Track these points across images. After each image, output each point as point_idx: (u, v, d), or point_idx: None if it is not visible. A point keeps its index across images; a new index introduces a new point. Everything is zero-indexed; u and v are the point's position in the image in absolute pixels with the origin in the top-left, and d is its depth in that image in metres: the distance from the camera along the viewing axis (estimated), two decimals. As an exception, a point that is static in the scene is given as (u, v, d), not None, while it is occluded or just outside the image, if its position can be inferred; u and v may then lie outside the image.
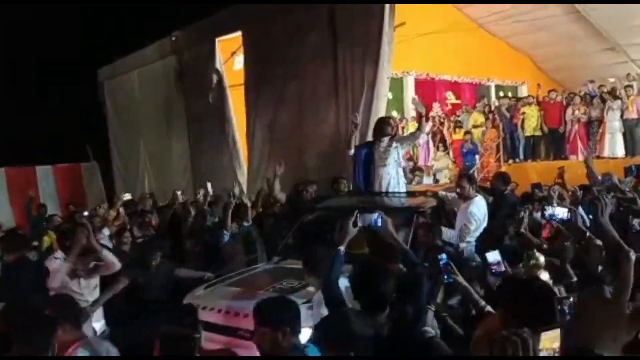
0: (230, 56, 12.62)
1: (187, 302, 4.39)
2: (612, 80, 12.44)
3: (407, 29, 11.24)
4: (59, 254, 5.22)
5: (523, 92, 15.47)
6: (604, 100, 11.44)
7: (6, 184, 13.98)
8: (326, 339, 2.41)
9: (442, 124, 13.78)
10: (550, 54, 14.80)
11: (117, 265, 4.67)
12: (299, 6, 10.15)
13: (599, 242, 4.68)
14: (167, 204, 9.03)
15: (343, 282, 2.99)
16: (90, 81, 16.95)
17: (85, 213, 8.16)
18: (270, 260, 5.43)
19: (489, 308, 3.02)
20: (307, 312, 3.39)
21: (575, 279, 4.31)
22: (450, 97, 15.44)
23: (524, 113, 12.27)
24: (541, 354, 1.68)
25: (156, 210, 8.47)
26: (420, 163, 13.32)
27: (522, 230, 5.15)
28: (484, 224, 5.17)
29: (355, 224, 3.07)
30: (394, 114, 13.94)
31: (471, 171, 10.97)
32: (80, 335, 3.16)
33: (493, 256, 3.62)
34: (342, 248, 3.02)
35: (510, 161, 12.45)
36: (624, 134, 11.14)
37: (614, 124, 11.19)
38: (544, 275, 3.85)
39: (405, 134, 10.76)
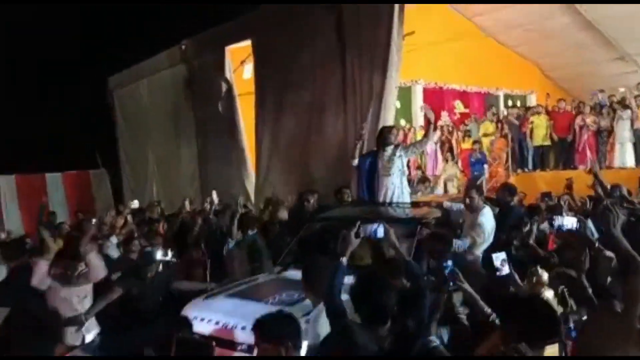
0: (239, 65, 12.69)
1: (184, 315, 4.36)
2: (622, 89, 12.34)
3: (416, 38, 11.24)
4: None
5: (532, 101, 15.39)
6: (614, 110, 11.36)
7: (16, 192, 14.12)
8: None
9: (450, 133, 13.75)
10: (559, 63, 14.73)
11: (102, 271, 4.68)
12: (308, 15, 10.20)
13: (608, 253, 4.64)
14: (175, 212, 9.07)
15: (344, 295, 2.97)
16: (100, 89, 17.10)
17: (94, 220, 8.22)
18: (272, 271, 5.39)
19: (495, 316, 2.99)
20: (305, 326, 3.34)
21: (590, 290, 4.23)
22: (459, 106, 15.40)
23: (532, 122, 12.21)
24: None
25: (164, 218, 8.51)
26: (428, 172, 13.28)
27: (530, 241, 5.10)
28: (492, 236, 5.12)
29: (357, 235, 3.06)
30: (402, 122, 13.94)
31: (479, 181, 10.91)
32: None
33: (499, 258, 3.59)
34: (344, 259, 3.00)
35: (519, 171, 12.37)
36: (635, 144, 11.05)
37: (624, 133, 11.09)
38: (548, 293, 3.78)
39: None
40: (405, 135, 13.17)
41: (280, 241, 5.97)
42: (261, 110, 11.50)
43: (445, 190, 12.20)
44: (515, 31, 13.36)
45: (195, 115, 13.41)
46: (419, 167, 13.53)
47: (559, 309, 3.56)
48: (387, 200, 5.93)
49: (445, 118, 14.41)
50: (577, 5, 12.23)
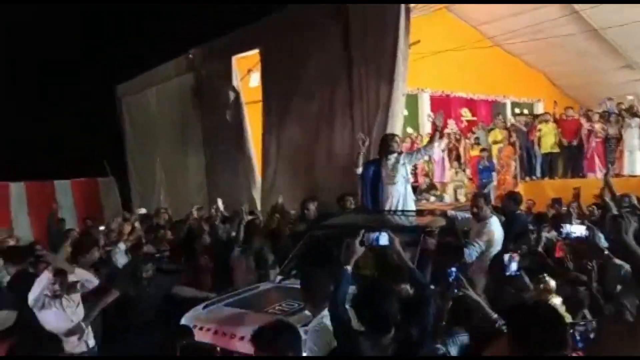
0: (246, 73, 12.75)
1: (184, 324, 4.35)
2: (630, 97, 12.30)
3: (422, 47, 11.26)
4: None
5: (539, 109, 15.36)
6: (622, 118, 11.32)
7: (26, 198, 14.22)
8: None
9: (457, 140, 13.73)
10: (566, 72, 14.71)
11: (93, 281, 4.68)
12: (315, 24, 10.25)
13: (617, 261, 4.60)
14: (182, 219, 9.09)
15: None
16: (108, 97, 17.23)
17: (102, 227, 8.26)
18: (273, 280, 5.37)
19: (501, 322, 2.97)
20: (304, 337, 3.26)
21: (602, 301, 4.19)
22: (466, 114, 15.40)
23: (540, 130, 12.18)
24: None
25: (171, 225, 8.54)
26: (436, 180, 13.27)
27: (539, 249, 5.07)
28: (500, 245, 5.08)
29: (362, 243, 3.05)
30: (409, 130, 13.95)
31: (487, 189, 10.88)
32: None
33: (509, 258, 3.59)
34: (348, 267, 2.99)
35: (527, 178, 12.33)
36: (644, 152, 11.00)
37: (633, 142, 11.04)
38: (556, 300, 3.75)
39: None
40: (413, 143, 13.17)
41: (287, 249, 5.97)
42: (268, 118, 11.53)
43: (456, 198, 12.18)
44: (522, 40, 13.35)
45: (202, 124, 13.46)
46: (426, 175, 13.51)
47: (567, 317, 3.54)
48: (392, 209, 5.88)
49: (452, 126, 14.40)
50: (583, 14, 12.21)
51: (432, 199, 11.74)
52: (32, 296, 4.29)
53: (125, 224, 7.79)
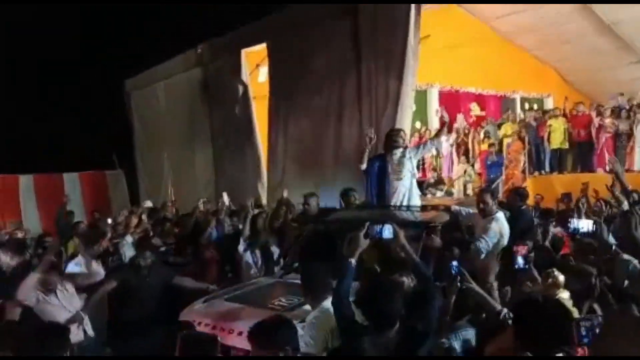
0: (255, 68, 12.74)
1: (184, 319, 4.34)
2: (641, 93, 12.17)
3: (432, 42, 11.20)
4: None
5: (549, 104, 15.22)
6: (633, 113, 11.20)
7: (34, 191, 14.34)
8: None
9: (466, 135, 13.66)
10: (577, 67, 14.58)
11: (93, 278, 4.71)
12: (324, 19, 10.21)
13: (625, 256, 4.57)
14: (189, 212, 9.10)
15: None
16: (117, 91, 17.31)
17: (109, 220, 8.30)
18: (274, 274, 5.34)
19: (505, 312, 2.95)
20: (301, 332, 3.23)
21: (610, 295, 4.16)
22: (475, 109, 15.30)
23: (550, 125, 12.08)
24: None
25: (178, 218, 8.55)
26: (444, 174, 13.23)
27: (546, 243, 5.03)
28: (506, 240, 5.04)
29: (366, 236, 3.03)
30: (418, 125, 13.89)
31: (493, 185, 10.82)
32: None
33: (517, 251, 3.58)
34: (353, 260, 2.96)
35: (536, 173, 12.25)
36: (656, 148, 10.89)
37: (643, 137, 10.94)
38: (564, 294, 3.72)
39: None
40: (421, 138, 13.11)
41: (292, 242, 5.96)
42: (276, 113, 11.53)
43: (465, 193, 12.14)
44: (532, 35, 13.23)
45: (210, 118, 13.48)
46: (434, 169, 13.47)
47: (575, 312, 3.51)
48: (398, 203, 5.83)
49: (461, 120, 14.33)
50: (596, 9, 12.07)
51: (439, 193, 11.71)
52: (20, 295, 4.32)
53: (133, 217, 7.82)
